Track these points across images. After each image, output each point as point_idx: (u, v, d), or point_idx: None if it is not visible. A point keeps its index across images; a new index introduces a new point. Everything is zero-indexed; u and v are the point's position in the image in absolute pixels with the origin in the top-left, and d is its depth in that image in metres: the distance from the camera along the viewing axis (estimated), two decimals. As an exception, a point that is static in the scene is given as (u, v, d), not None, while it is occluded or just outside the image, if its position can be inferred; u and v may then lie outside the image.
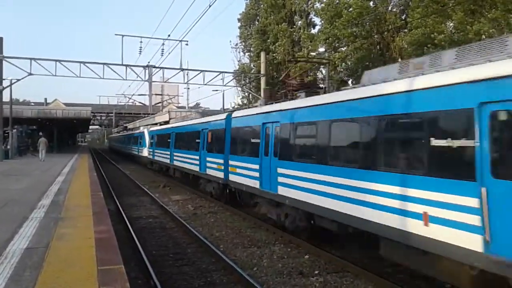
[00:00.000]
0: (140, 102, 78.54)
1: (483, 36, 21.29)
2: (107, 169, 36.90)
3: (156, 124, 42.77)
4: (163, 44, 33.33)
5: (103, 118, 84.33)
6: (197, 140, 19.99)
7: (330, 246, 10.64)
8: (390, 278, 8.28)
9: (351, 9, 32.41)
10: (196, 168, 19.97)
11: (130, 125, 63.40)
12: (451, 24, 25.26)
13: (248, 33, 50.10)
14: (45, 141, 31.79)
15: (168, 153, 26.14)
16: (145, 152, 36.44)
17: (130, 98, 70.59)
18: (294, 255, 10.46)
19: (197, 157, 19.77)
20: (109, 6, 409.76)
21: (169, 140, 26.14)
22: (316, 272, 9.12)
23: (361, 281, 8.50)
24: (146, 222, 14.68)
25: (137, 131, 45.54)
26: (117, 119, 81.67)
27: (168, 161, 26.46)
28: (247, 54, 52.14)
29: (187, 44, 40.33)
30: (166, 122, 35.65)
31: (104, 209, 10.72)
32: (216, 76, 36.50)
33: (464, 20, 22.74)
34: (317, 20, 43.14)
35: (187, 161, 21.87)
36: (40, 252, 6.52)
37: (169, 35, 34.10)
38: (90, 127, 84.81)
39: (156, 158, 31.48)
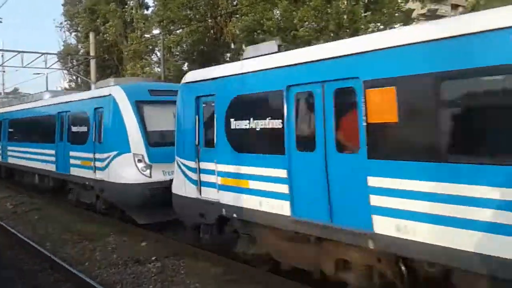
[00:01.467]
0: None
1: (306, 23, 23.27)
2: None
3: None
4: (-32, 20, 28.58)
5: None
6: None
7: (169, 231, 10.55)
8: (227, 255, 8.47)
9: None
10: None
11: None
12: (277, 12, 26.88)
13: (75, 11, 45.94)
14: None
15: None
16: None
17: None
18: (130, 244, 10.08)
19: None
20: None
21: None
22: (154, 258, 8.90)
23: (198, 261, 8.58)
24: (-50, 227, 12.44)
25: (77, 98, 13.98)
26: None
27: None
28: (73, 34, 47.94)
29: (0, 22, 35.24)
30: None
31: None
32: (37, 58, 32.74)
33: (289, 8, 24.48)
34: (150, 1, 41.91)
35: None
36: None
37: (-25, 9, 29.24)
38: None
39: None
